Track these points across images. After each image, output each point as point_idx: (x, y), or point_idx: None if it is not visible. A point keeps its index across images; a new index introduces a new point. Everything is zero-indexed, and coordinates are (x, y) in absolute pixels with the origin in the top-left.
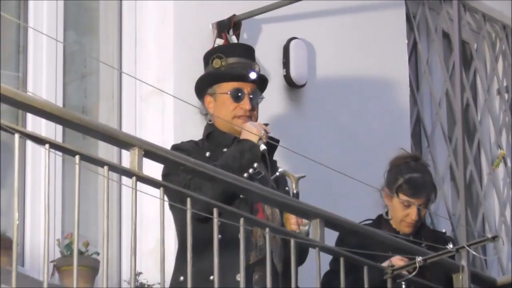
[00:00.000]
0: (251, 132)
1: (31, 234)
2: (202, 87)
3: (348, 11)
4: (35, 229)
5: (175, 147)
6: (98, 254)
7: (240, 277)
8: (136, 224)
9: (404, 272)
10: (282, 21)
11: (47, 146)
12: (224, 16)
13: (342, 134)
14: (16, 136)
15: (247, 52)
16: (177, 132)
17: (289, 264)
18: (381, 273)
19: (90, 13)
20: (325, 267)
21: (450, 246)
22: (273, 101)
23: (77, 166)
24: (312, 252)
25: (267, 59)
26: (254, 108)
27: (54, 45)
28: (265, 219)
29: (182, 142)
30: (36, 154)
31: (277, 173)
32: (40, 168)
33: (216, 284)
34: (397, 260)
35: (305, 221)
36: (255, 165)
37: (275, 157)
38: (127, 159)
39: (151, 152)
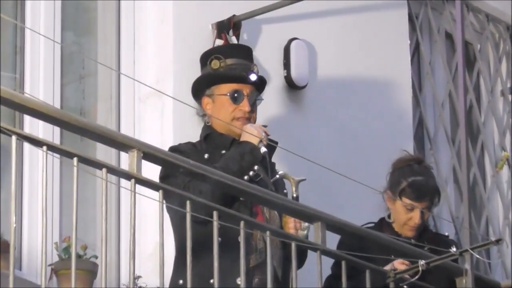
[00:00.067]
0: (251, 134)
1: (29, 238)
2: (200, 88)
3: (350, 11)
4: (33, 232)
5: (173, 149)
6: (96, 257)
7: (241, 281)
8: (135, 227)
9: (407, 275)
10: (282, 21)
11: (44, 148)
12: (224, 16)
13: (343, 135)
14: (13, 138)
15: (246, 53)
16: (176, 133)
17: (287, 267)
18: (384, 277)
19: (88, 13)
20: (326, 271)
21: (454, 249)
22: (273, 103)
23: (75, 169)
24: (314, 256)
25: (268, 60)
26: (253, 110)
27: (51, 46)
28: (264, 222)
29: (180, 144)
30: (33, 156)
31: (277, 176)
32: (37, 171)
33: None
34: (399, 264)
35: (304, 225)
36: (256, 167)
37: (273, 159)
38: (125, 161)
39: (150, 154)
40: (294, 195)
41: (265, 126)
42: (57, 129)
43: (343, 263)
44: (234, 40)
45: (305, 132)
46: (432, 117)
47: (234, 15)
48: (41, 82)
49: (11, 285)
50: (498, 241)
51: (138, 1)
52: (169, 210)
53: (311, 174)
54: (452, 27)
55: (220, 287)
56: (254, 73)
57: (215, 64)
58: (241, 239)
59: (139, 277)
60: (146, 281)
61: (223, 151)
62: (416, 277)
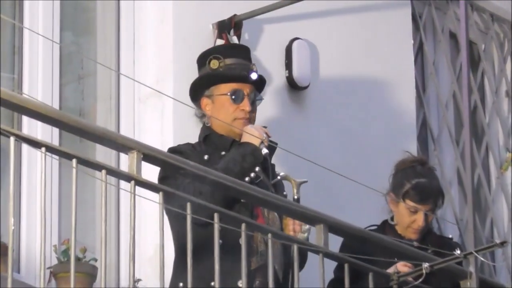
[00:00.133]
0: (252, 135)
1: (27, 240)
2: (199, 89)
3: (352, 10)
4: (31, 234)
5: (173, 150)
6: (96, 260)
7: (242, 283)
8: (134, 230)
9: (410, 278)
10: (284, 21)
11: (43, 149)
12: (224, 16)
13: (345, 137)
14: (12, 139)
15: (244, 53)
16: (176, 133)
17: (288, 270)
18: (387, 280)
19: (87, 13)
20: (329, 274)
21: (458, 252)
22: (275, 103)
23: (74, 170)
24: (316, 259)
25: (269, 60)
26: (253, 109)
27: (50, 46)
28: (265, 224)
29: (179, 145)
30: (32, 157)
31: (278, 177)
32: (36, 172)
33: None
34: (401, 266)
35: (304, 227)
36: (257, 169)
37: (273, 161)
38: (125, 162)
39: (150, 156)
40: (295, 197)
41: (264, 127)
42: (56, 130)
43: (346, 266)
44: (235, 40)
45: (307, 133)
46: (436, 118)
47: (235, 15)
48: (39, 83)
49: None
50: (503, 244)
51: (138, 1)
52: (168, 211)
53: (313, 175)
54: (456, 26)
55: None
56: (255, 71)
57: (214, 64)
58: (243, 241)
59: (139, 280)
60: (146, 284)
61: (223, 153)
62: (420, 280)
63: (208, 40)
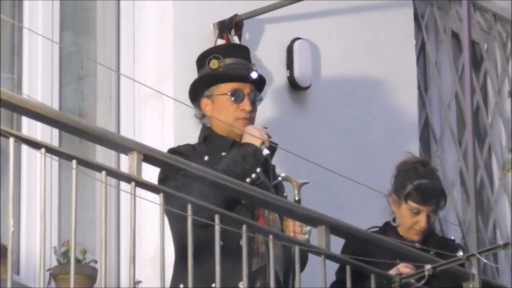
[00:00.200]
0: (253, 135)
1: (27, 242)
2: (199, 90)
3: (354, 10)
4: (31, 236)
5: (173, 151)
6: (96, 262)
7: (243, 285)
8: (135, 231)
9: (412, 280)
10: (285, 21)
11: (43, 150)
12: (225, 16)
13: (347, 137)
14: (11, 140)
15: (244, 52)
16: (176, 134)
17: (289, 271)
18: (389, 282)
19: (87, 13)
20: (330, 276)
21: (460, 253)
22: (276, 104)
23: (74, 171)
24: (317, 260)
25: (270, 60)
26: (253, 109)
27: (50, 46)
28: (266, 225)
29: (179, 146)
30: (31, 158)
31: (279, 178)
32: (35, 173)
33: None
34: (403, 268)
35: (305, 229)
36: (258, 170)
37: (274, 161)
38: (125, 163)
39: (150, 157)
40: (296, 198)
41: (265, 128)
42: (55, 131)
43: (348, 268)
44: (236, 40)
45: (308, 134)
46: (438, 118)
47: (236, 15)
48: (39, 83)
49: None
50: (506, 245)
51: (138, 1)
52: (168, 212)
53: (314, 176)
54: (458, 26)
55: None
56: (255, 71)
57: (214, 64)
58: (244, 243)
59: (139, 281)
60: (147, 286)
61: (223, 153)
62: (422, 281)
63: (208, 40)
